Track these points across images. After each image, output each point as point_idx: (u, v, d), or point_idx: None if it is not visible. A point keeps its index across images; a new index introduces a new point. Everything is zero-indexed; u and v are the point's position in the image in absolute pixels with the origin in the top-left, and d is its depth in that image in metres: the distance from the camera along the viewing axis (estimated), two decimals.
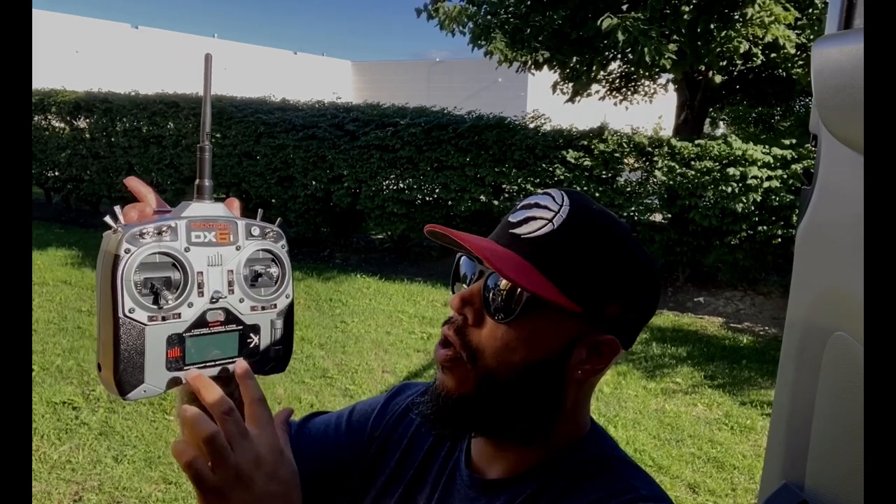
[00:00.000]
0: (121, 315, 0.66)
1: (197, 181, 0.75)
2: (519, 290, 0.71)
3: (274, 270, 0.77)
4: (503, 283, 0.72)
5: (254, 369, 0.76)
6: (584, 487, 0.73)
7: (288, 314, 0.78)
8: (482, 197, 7.26)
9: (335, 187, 7.96)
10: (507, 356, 0.72)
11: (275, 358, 0.78)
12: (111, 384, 0.68)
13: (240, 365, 0.73)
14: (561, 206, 0.73)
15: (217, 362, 0.73)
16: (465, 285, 0.78)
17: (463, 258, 0.80)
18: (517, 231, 0.74)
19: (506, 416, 0.75)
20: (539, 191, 0.78)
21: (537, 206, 0.74)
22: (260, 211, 0.80)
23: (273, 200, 8.39)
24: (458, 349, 0.74)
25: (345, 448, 0.90)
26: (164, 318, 0.68)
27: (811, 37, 6.26)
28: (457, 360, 0.74)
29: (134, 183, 0.75)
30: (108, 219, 0.68)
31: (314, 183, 8.10)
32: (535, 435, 0.77)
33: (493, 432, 0.78)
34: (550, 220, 0.72)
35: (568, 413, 0.77)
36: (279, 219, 0.80)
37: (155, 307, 0.67)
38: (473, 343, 0.74)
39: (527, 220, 0.74)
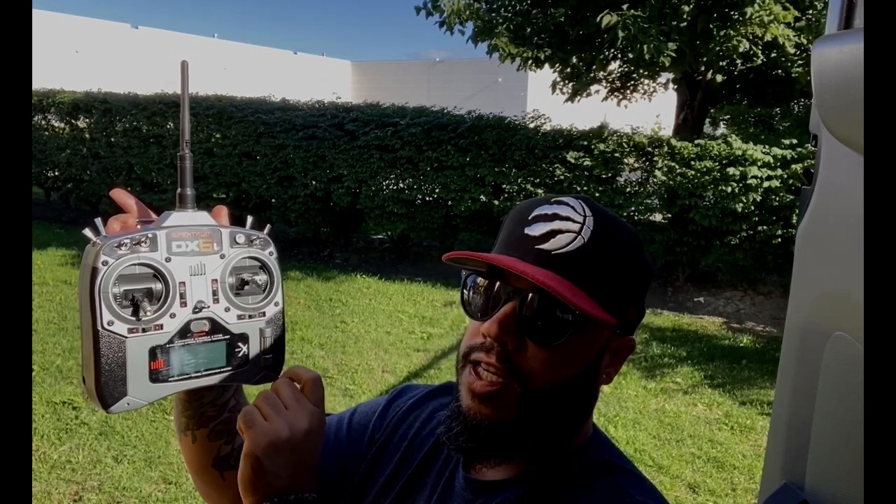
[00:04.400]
0: (100, 328, 0.65)
1: (179, 190, 0.73)
2: (561, 312, 0.68)
3: (261, 278, 0.75)
4: (540, 304, 0.69)
5: (243, 379, 0.75)
6: (579, 491, 0.73)
7: (278, 322, 0.76)
8: (482, 197, 7.26)
9: (335, 187, 7.96)
10: (554, 377, 0.71)
11: (265, 367, 0.76)
12: (94, 397, 0.67)
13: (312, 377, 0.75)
14: (584, 216, 0.71)
15: (204, 373, 0.72)
16: (479, 305, 0.74)
17: (472, 276, 0.75)
18: (544, 247, 0.70)
19: (545, 433, 0.74)
20: (552, 197, 0.74)
21: (557, 217, 0.71)
22: (250, 219, 0.78)
23: (273, 200, 8.38)
24: (504, 377, 0.70)
25: (346, 450, 0.91)
26: (144, 330, 0.67)
27: (811, 37, 6.25)
28: (501, 390, 0.71)
29: (119, 195, 0.75)
30: (86, 231, 0.68)
31: (314, 183, 8.09)
32: (564, 446, 0.76)
33: (529, 454, 0.75)
34: (579, 233, 0.70)
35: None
36: (268, 226, 0.79)
37: (134, 319, 0.66)
38: (523, 370, 0.70)
39: (551, 233, 0.70)
